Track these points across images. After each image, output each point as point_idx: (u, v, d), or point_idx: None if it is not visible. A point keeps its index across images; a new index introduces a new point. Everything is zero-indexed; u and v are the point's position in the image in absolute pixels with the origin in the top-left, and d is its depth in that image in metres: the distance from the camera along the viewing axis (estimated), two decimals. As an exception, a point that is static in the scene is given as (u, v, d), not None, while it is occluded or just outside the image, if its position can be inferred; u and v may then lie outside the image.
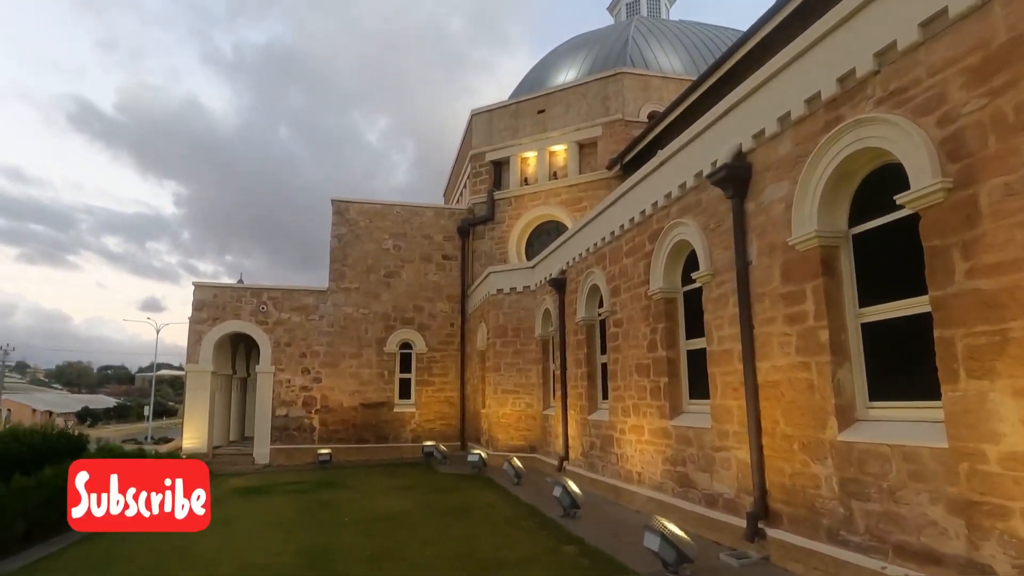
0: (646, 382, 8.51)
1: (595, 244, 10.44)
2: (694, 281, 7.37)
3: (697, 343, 7.59)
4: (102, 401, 74.39)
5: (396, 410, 17.31)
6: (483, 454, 13.22)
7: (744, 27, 11.38)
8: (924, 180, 4.16)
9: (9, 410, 51.94)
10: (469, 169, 18.91)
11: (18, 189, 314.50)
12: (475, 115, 18.93)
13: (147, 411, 49.86)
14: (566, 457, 11.42)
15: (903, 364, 4.81)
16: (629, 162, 15.07)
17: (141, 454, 12.59)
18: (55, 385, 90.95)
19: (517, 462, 11.34)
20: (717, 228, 6.86)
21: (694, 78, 13.31)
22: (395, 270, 17.90)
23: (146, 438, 39.01)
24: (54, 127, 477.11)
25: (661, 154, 8.19)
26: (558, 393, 12.03)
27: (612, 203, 9.80)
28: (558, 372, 12.14)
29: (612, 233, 9.71)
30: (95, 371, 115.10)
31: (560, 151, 17.30)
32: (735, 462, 6.42)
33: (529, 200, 17.48)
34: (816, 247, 5.28)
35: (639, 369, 8.73)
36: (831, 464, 5.04)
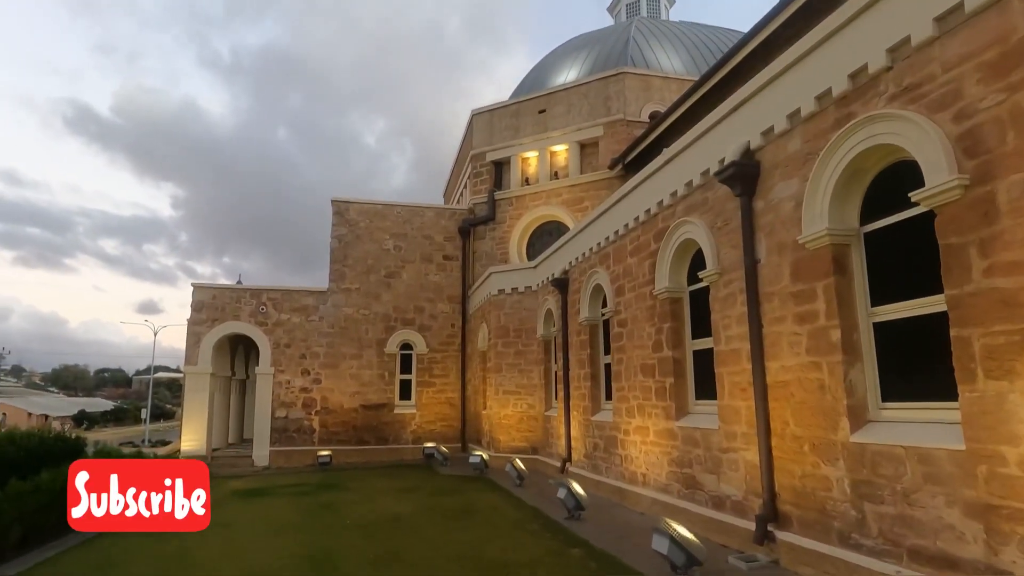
0: (651, 382, 8.43)
1: (598, 243, 10.37)
2: (700, 280, 7.31)
3: (703, 343, 7.52)
4: (99, 404, 73.84)
5: (397, 411, 17.22)
6: (484, 456, 13.13)
7: (744, 28, 11.37)
8: (940, 177, 4.10)
9: (5, 414, 51.81)
10: (470, 169, 18.83)
11: (14, 192, 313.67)
12: (476, 115, 18.86)
13: (144, 414, 49.49)
14: (569, 459, 11.34)
15: (917, 364, 4.74)
16: (631, 162, 15.02)
17: (139, 456, 12.48)
18: (51, 388, 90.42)
19: (519, 464, 11.26)
20: (724, 226, 6.79)
21: (695, 78, 13.28)
22: (395, 271, 17.81)
23: (143, 441, 38.71)
24: (51, 130, 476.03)
25: (666, 152, 8.12)
26: (560, 394, 11.96)
27: (616, 202, 9.73)
28: (560, 373, 12.06)
29: (616, 232, 9.64)
30: (92, 374, 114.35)
31: (561, 151, 17.24)
32: (743, 463, 6.35)
33: (530, 200, 17.42)
34: (827, 245, 5.22)
35: (644, 369, 8.66)
36: (843, 466, 4.97)
